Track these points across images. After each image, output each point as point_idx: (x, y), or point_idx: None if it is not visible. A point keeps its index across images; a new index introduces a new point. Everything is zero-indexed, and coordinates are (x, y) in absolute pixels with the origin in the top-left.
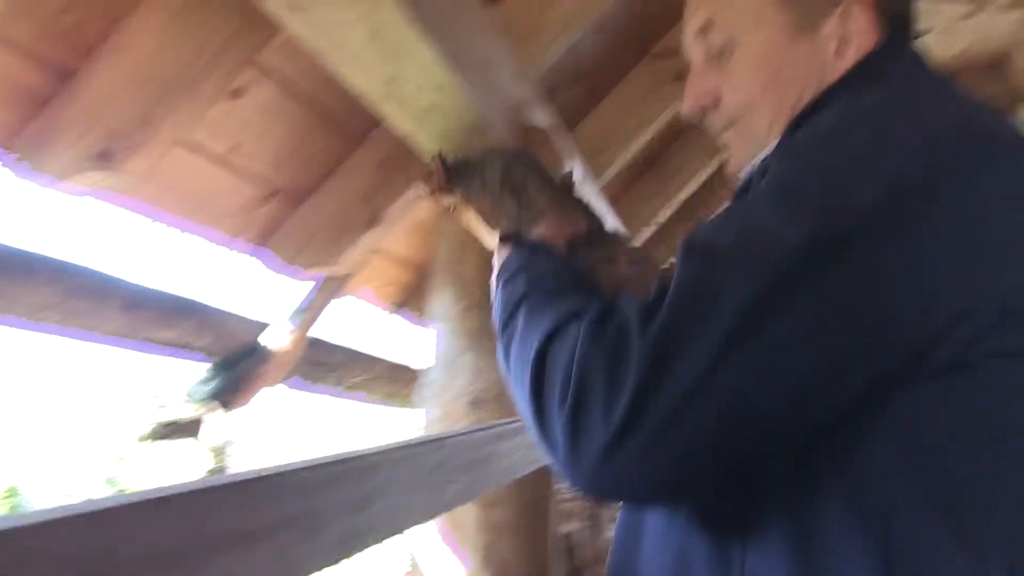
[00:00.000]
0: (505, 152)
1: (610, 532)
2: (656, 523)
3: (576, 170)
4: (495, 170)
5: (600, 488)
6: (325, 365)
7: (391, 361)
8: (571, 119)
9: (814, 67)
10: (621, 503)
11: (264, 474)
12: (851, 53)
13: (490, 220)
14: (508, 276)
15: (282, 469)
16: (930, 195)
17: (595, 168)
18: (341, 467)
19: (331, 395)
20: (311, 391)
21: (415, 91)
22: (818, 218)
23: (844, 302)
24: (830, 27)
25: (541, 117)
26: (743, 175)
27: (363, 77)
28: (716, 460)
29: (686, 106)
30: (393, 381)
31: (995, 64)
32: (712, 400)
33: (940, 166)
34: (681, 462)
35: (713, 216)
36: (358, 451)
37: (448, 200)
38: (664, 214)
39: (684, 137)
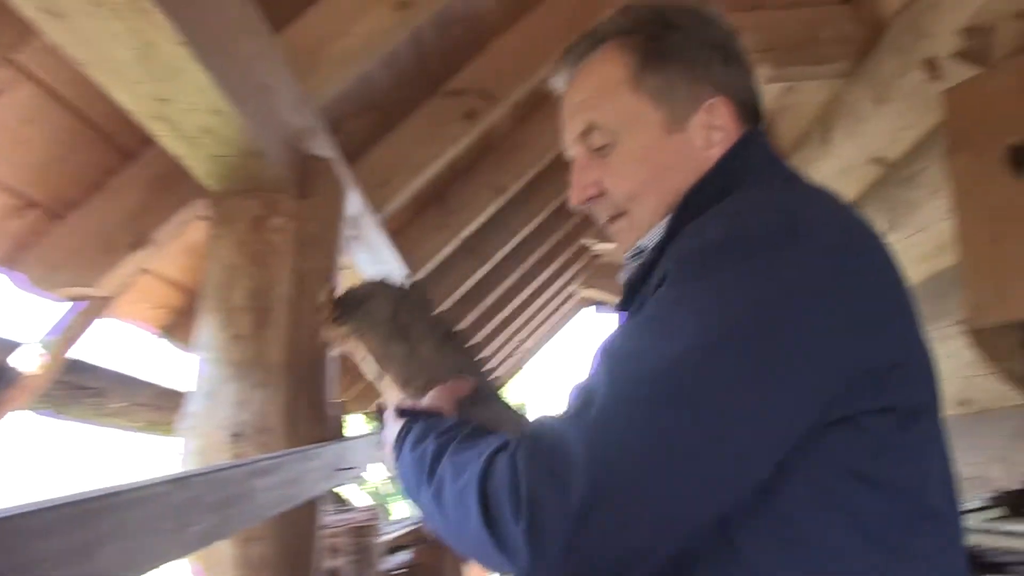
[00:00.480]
0: (394, 289)
1: (378, 567)
2: None
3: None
4: (384, 310)
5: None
6: (85, 389)
7: (157, 386)
8: (357, 149)
9: (689, 158)
10: None
11: None
12: (719, 144)
13: (379, 361)
14: (415, 441)
15: None
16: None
17: (379, 199)
18: (63, 511)
19: (88, 423)
20: (66, 418)
21: (186, 113)
22: (699, 343)
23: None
24: (698, 122)
25: (322, 147)
26: (628, 255)
27: (131, 95)
28: (664, 534)
29: (573, 199)
30: (158, 408)
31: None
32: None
33: (814, 265)
34: (633, 541)
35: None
36: (85, 493)
37: (337, 332)
38: (448, 249)
39: (470, 173)
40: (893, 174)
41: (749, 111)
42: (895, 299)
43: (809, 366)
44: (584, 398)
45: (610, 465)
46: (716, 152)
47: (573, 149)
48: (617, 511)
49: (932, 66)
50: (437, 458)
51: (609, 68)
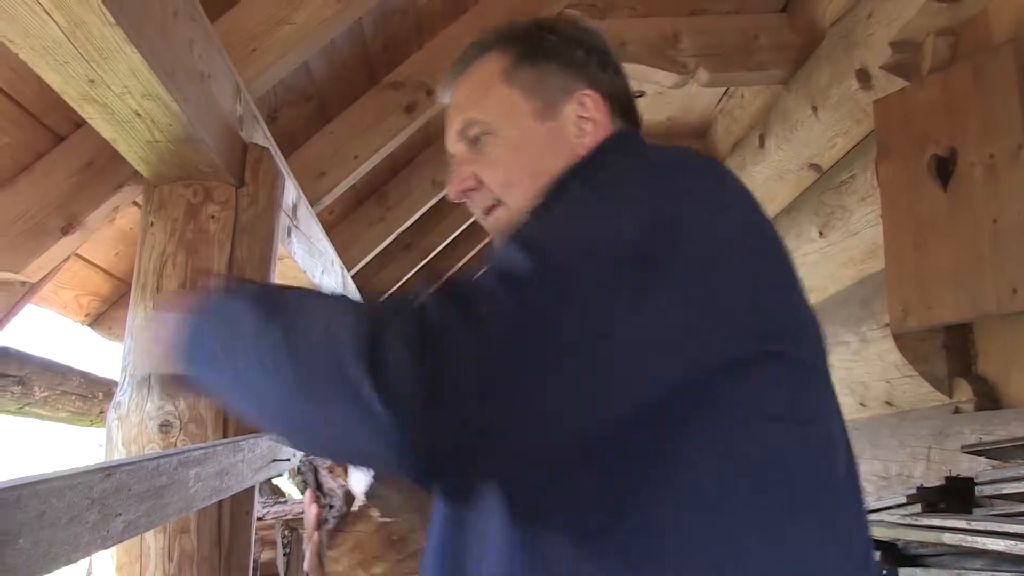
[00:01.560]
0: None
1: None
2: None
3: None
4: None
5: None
6: (8, 377)
7: (84, 374)
8: (296, 138)
9: (560, 146)
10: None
11: None
12: (591, 134)
13: None
14: (243, 290)
15: None
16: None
17: (315, 191)
18: None
19: (11, 412)
20: None
21: (119, 96)
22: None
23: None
24: (568, 111)
25: (259, 135)
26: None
27: (60, 75)
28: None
29: (451, 192)
30: (84, 398)
31: (700, 131)
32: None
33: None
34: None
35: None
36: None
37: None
38: (385, 243)
39: (409, 167)
40: (826, 180)
41: (625, 112)
42: (782, 253)
43: (709, 295)
44: (508, 266)
45: (534, 325)
46: (588, 141)
47: (453, 148)
48: (520, 370)
49: (864, 76)
50: (286, 291)
51: (487, 67)
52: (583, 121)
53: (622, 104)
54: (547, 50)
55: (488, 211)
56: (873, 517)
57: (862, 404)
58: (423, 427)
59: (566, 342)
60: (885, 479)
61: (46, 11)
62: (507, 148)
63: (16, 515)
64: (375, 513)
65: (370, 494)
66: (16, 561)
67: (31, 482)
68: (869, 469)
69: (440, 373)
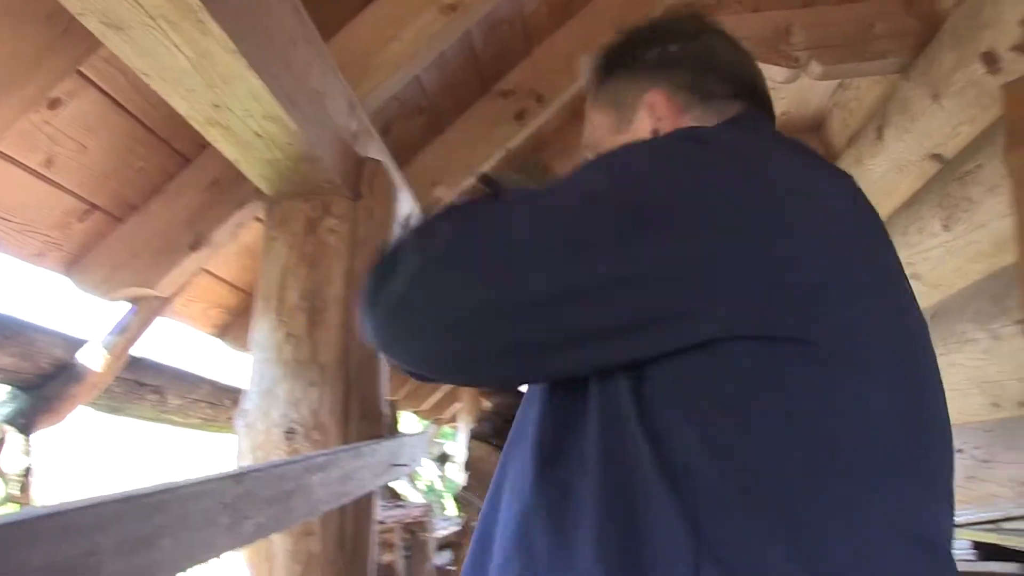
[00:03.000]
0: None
1: (432, 562)
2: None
3: None
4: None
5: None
6: (145, 386)
7: (214, 383)
8: (409, 150)
9: None
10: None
11: (25, 517)
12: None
13: None
14: None
15: (48, 511)
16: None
17: (430, 200)
18: (121, 506)
19: (148, 419)
20: (124, 415)
21: (241, 119)
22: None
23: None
24: (640, 118)
25: (374, 149)
26: None
27: (187, 102)
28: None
29: None
30: (214, 405)
31: (815, 124)
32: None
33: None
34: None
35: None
36: (145, 488)
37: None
38: None
39: None
40: (950, 171)
41: (708, 97)
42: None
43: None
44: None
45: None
46: None
47: None
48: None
49: (991, 59)
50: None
51: (588, 97)
52: (657, 123)
53: (705, 88)
54: (616, 62)
55: None
56: (1012, 526)
57: (995, 404)
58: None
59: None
60: (1023, 485)
61: (176, 45)
62: None
63: (159, 518)
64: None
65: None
66: (161, 558)
67: (171, 488)
68: (1005, 474)
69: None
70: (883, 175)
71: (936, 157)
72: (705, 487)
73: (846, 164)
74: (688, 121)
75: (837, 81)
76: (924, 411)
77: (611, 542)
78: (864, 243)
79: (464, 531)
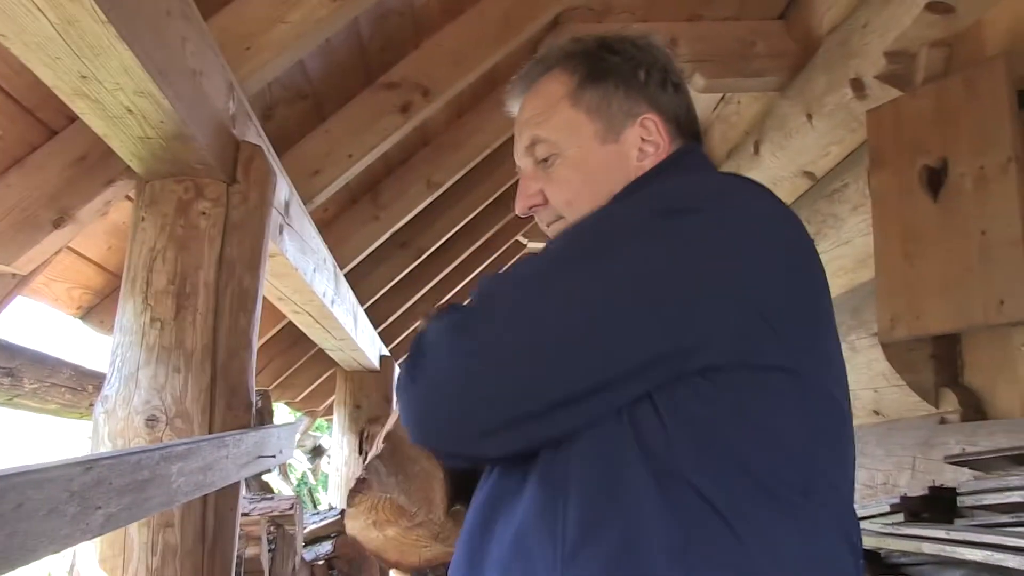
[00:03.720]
0: None
1: (300, 555)
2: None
3: None
4: None
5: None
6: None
7: (73, 367)
8: (290, 137)
9: (620, 168)
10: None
11: None
12: (651, 156)
13: None
14: None
15: None
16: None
17: (309, 189)
18: None
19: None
20: None
21: (111, 92)
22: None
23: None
24: (631, 135)
25: (252, 133)
26: None
27: (51, 70)
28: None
29: (518, 207)
30: (76, 391)
31: None
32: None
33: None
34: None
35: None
36: None
37: None
38: (378, 242)
39: (404, 167)
40: (819, 188)
41: (685, 130)
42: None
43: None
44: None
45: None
46: (648, 164)
47: (521, 162)
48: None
49: (858, 86)
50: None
51: (553, 87)
52: (646, 144)
53: (684, 122)
54: (609, 70)
55: (550, 224)
56: None
57: None
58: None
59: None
60: (870, 488)
61: (39, 8)
62: (571, 168)
63: None
64: (374, 484)
65: (368, 467)
66: None
67: (8, 474)
68: (855, 477)
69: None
70: None
71: (808, 174)
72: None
73: None
74: (670, 148)
75: (719, 95)
76: (849, 424)
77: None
78: (812, 273)
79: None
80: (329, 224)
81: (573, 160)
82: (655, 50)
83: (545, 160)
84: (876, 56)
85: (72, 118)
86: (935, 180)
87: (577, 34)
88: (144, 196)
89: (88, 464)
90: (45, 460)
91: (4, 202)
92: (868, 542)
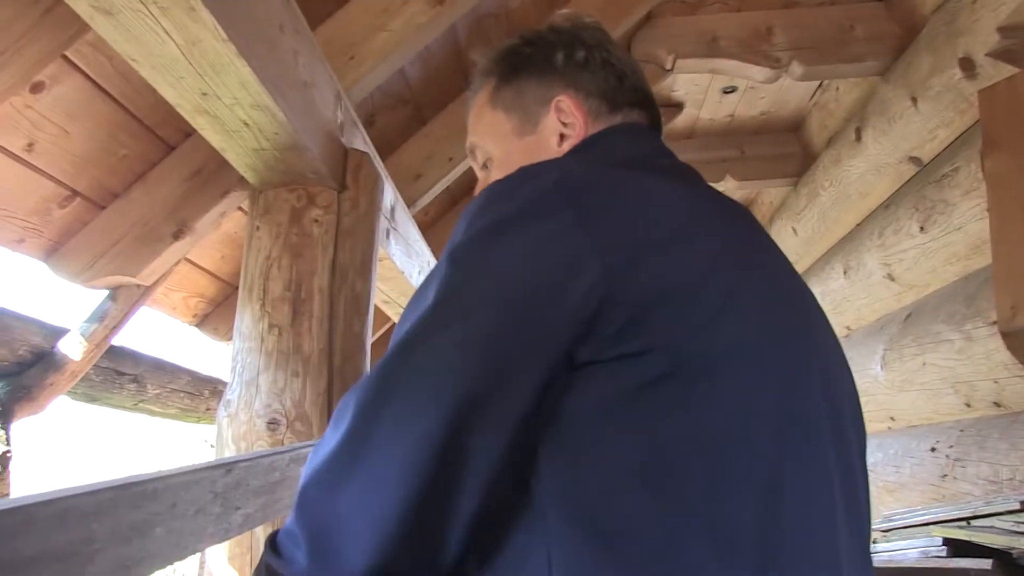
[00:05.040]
0: None
1: None
2: None
3: None
4: None
5: None
6: (124, 375)
7: (193, 373)
8: (392, 142)
9: (541, 156)
10: None
11: (18, 504)
12: (571, 139)
13: None
14: None
15: (44, 498)
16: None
17: (412, 193)
18: (116, 493)
19: (126, 408)
20: (104, 403)
21: (229, 107)
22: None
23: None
24: (549, 121)
25: (358, 140)
26: None
27: (175, 89)
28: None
29: None
30: (194, 395)
31: (794, 125)
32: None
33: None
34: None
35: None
36: (137, 476)
37: None
38: None
39: None
40: (927, 173)
41: (620, 103)
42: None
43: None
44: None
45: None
46: (567, 146)
47: (473, 166)
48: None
49: (968, 65)
50: None
51: (482, 94)
52: (566, 127)
53: (614, 95)
54: (523, 63)
55: None
56: (982, 523)
57: (968, 405)
58: None
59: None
60: (994, 483)
61: (166, 31)
62: (499, 169)
63: (153, 506)
64: None
65: None
66: (154, 548)
67: (164, 476)
68: (977, 472)
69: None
70: (860, 176)
71: (914, 160)
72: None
73: (825, 164)
74: (596, 127)
75: (817, 82)
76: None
77: None
78: (737, 259)
79: None
80: (431, 227)
81: (499, 160)
82: (581, 30)
83: (485, 166)
84: (988, 32)
85: (188, 133)
86: None
87: (671, 27)
88: (258, 206)
89: (228, 466)
90: (185, 464)
91: (128, 217)
92: (996, 541)
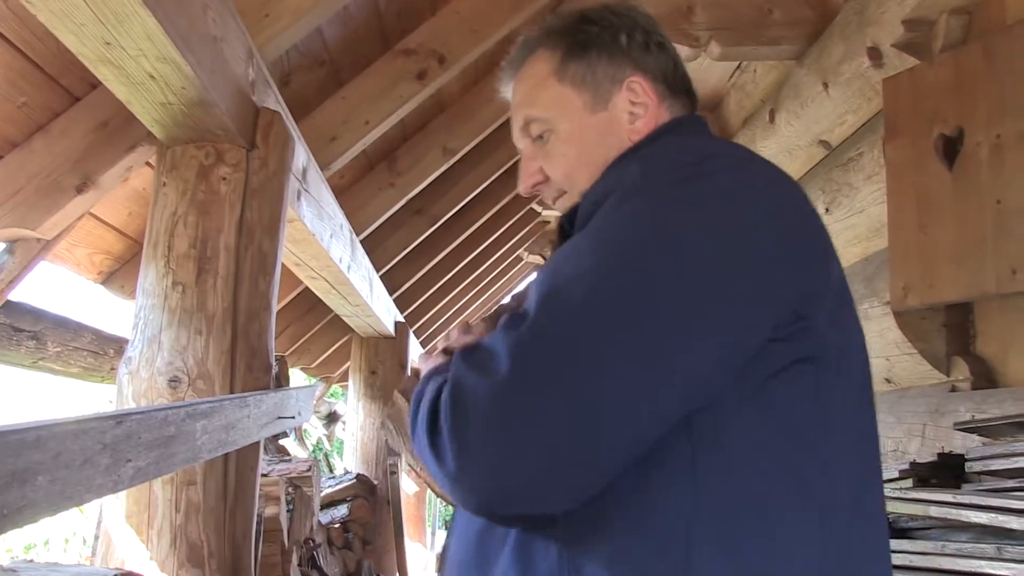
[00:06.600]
0: None
1: (317, 517)
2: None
3: None
4: None
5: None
6: (23, 332)
7: (96, 331)
8: (308, 103)
9: (613, 134)
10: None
11: None
12: (643, 118)
13: None
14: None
15: None
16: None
17: (326, 155)
18: None
19: (24, 366)
20: (1, 361)
21: (134, 59)
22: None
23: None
24: (620, 100)
25: (271, 99)
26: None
27: (76, 37)
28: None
29: (522, 188)
30: (98, 354)
31: (712, 104)
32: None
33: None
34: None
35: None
36: (18, 424)
37: None
38: (393, 207)
39: (420, 134)
40: (835, 157)
41: (675, 88)
42: (806, 245)
43: (721, 304)
44: (517, 318)
45: (530, 372)
46: (640, 126)
47: (519, 143)
48: (531, 419)
49: (876, 54)
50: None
51: (539, 67)
52: (635, 107)
53: (672, 80)
54: (590, 40)
55: (555, 199)
56: None
57: None
58: (464, 476)
59: (558, 393)
60: (881, 455)
61: None
62: (565, 142)
63: (35, 455)
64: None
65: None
66: (36, 497)
67: (48, 424)
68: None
69: (464, 430)
70: (773, 158)
71: (823, 143)
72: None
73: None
74: (664, 111)
75: (735, 63)
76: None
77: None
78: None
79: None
80: (345, 191)
81: (566, 134)
82: (635, 13)
83: (540, 138)
84: (894, 24)
85: (94, 84)
86: (950, 149)
87: (594, 1)
88: (165, 161)
89: (119, 418)
90: (78, 414)
91: (28, 167)
92: None
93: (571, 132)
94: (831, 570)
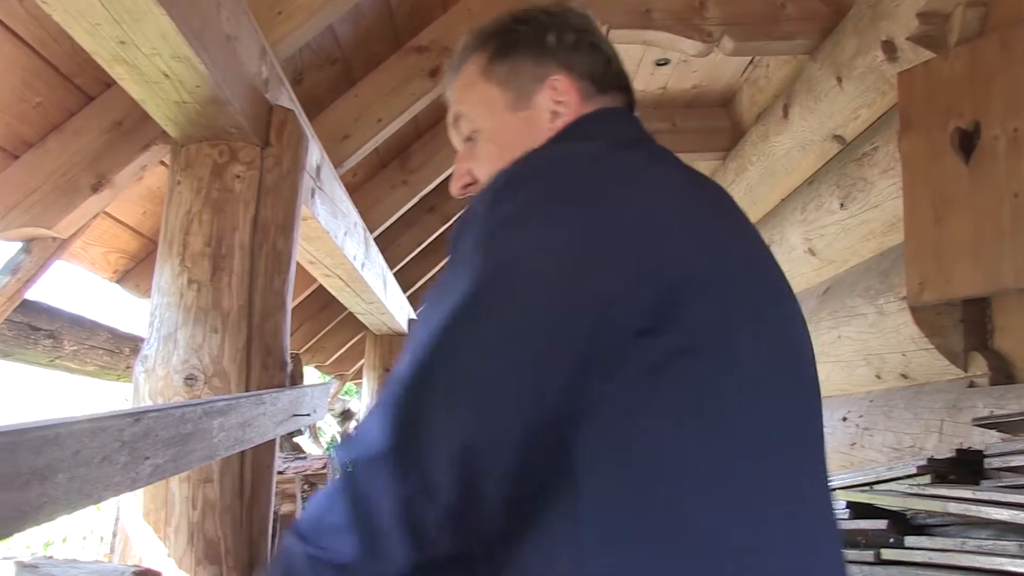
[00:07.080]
0: None
1: None
2: None
3: None
4: None
5: None
6: (40, 331)
7: (112, 329)
8: (320, 101)
9: (534, 133)
10: None
11: None
12: (565, 117)
13: None
14: None
15: None
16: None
17: (339, 153)
18: (14, 438)
19: (41, 365)
20: (18, 359)
21: (148, 57)
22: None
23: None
24: (542, 99)
25: (284, 97)
26: None
27: (91, 36)
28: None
29: (453, 189)
30: (113, 353)
31: (725, 100)
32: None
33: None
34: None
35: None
36: (38, 422)
37: None
38: (406, 205)
39: (433, 131)
40: (849, 152)
41: (606, 86)
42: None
43: (545, 324)
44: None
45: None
46: (560, 124)
47: (453, 139)
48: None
49: (889, 48)
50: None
51: (471, 67)
52: (558, 105)
53: (603, 78)
54: (519, 41)
55: None
56: (883, 487)
57: (878, 376)
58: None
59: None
60: (897, 451)
61: None
62: (488, 141)
63: (55, 452)
64: None
65: None
66: (56, 494)
67: (67, 422)
68: (882, 441)
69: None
70: (787, 153)
71: (837, 138)
72: None
73: (753, 140)
74: (588, 108)
75: (748, 58)
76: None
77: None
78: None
79: None
80: (358, 188)
81: (490, 133)
82: (569, 14)
83: (470, 139)
84: (908, 18)
85: (109, 84)
86: (967, 143)
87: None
88: (180, 160)
89: (137, 416)
90: (96, 411)
91: (44, 167)
92: (894, 503)
93: (494, 130)
94: (744, 566)
